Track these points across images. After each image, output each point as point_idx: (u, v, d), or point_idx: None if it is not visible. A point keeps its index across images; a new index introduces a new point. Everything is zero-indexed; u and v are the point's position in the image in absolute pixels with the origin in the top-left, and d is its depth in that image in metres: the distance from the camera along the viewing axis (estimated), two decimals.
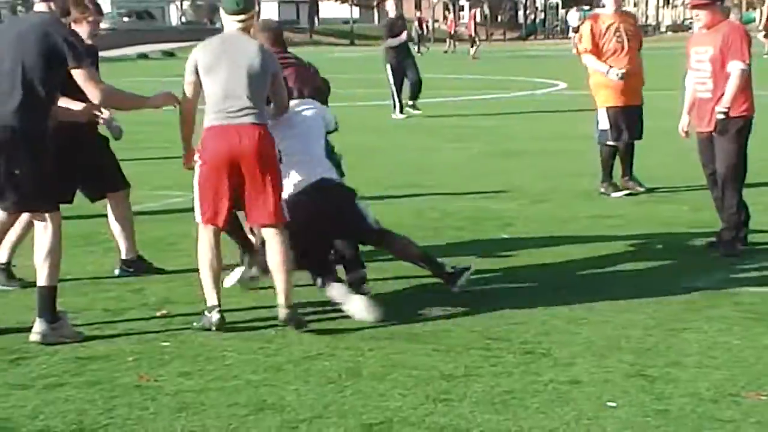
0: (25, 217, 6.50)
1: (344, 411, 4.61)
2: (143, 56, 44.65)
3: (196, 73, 5.86)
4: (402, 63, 18.28)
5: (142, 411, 4.61)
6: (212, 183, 5.79)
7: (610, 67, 10.11)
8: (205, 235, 5.88)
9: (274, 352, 5.44)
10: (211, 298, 5.81)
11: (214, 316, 5.75)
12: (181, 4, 73.15)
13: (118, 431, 4.40)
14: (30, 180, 5.58)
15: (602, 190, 10.25)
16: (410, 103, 18.36)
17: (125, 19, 66.37)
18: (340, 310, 6.08)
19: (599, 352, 5.39)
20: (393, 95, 18.50)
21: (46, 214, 5.68)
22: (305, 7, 79.92)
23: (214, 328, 5.74)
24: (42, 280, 5.65)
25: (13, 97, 5.54)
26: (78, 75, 5.64)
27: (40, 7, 5.74)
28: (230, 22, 5.97)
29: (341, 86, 27.95)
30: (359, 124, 17.79)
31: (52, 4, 5.74)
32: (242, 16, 5.93)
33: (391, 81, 18.42)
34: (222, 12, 6.04)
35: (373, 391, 4.85)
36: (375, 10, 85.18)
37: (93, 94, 5.71)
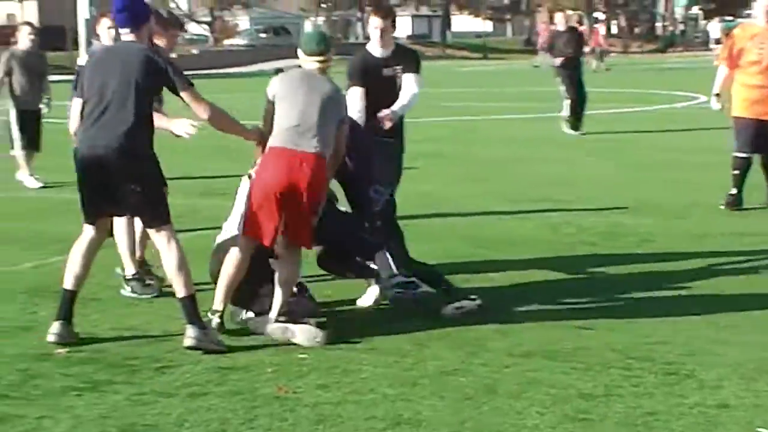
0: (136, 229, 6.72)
1: (481, 428, 4.58)
2: (279, 71, 45.55)
3: (274, 100, 6.14)
4: (569, 76, 17.42)
5: (282, 422, 4.67)
6: (263, 202, 5.95)
7: (717, 94, 10.16)
8: (242, 247, 6.03)
9: (409, 367, 5.45)
10: (218, 303, 6.02)
11: (215, 321, 5.96)
12: (316, 20, 74.27)
13: None
14: (144, 197, 5.76)
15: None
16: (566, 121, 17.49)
17: (262, 35, 67.77)
18: (475, 324, 6.08)
19: (748, 374, 5.21)
20: (565, 108, 17.71)
21: (164, 227, 5.83)
22: (438, 21, 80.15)
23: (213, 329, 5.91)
24: (180, 291, 5.79)
25: (123, 120, 5.73)
26: (186, 96, 5.86)
27: (128, 37, 5.98)
28: (309, 63, 6.29)
29: (473, 99, 28.05)
30: (493, 137, 17.75)
31: (142, 35, 5.99)
32: (321, 57, 6.24)
33: (564, 95, 17.63)
34: (300, 52, 6.32)
35: (510, 409, 4.81)
36: (508, 24, 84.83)
37: (202, 111, 5.89)
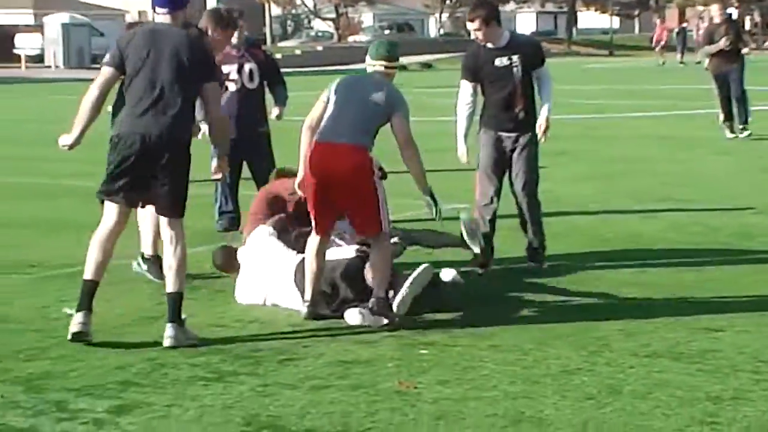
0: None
1: (604, 428, 4.51)
2: (402, 68, 45.73)
3: (328, 98, 6.35)
4: (725, 73, 15.84)
5: (403, 417, 4.69)
6: (308, 195, 6.31)
7: None
8: (312, 242, 6.32)
9: (531, 365, 5.40)
10: (306, 294, 6.30)
11: (304, 310, 6.25)
12: (440, 17, 74.21)
13: None
14: (178, 186, 5.82)
15: None
16: (739, 127, 15.97)
17: (386, 31, 68.07)
18: (599, 323, 6.00)
19: None
20: (719, 110, 16.18)
21: (178, 221, 5.87)
22: (563, 18, 79.18)
23: (303, 317, 6.23)
24: (171, 287, 5.80)
25: (172, 106, 5.77)
26: (211, 89, 5.93)
27: (164, 18, 6.00)
28: (374, 66, 6.48)
29: (598, 97, 27.59)
30: (618, 135, 17.45)
31: (177, 19, 6.01)
32: (386, 63, 6.46)
33: (716, 93, 16.09)
34: (368, 57, 6.45)
35: (634, 410, 4.73)
36: (636, 20, 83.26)
37: (215, 109, 6.00)
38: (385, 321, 6.08)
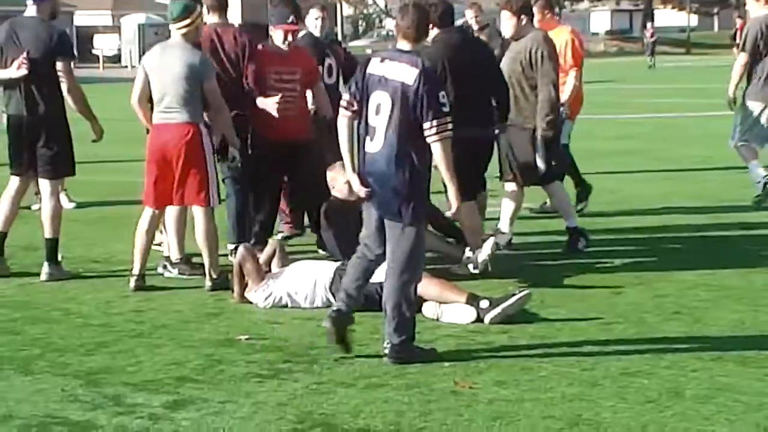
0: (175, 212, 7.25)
1: None
2: None
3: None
4: None
5: (457, 417, 4.63)
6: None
7: None
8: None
9: (590, 367, 5.30)
10: (135, 267, 6.98)
11: (132, 283, 6.94)
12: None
13: None
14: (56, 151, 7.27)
15: None
16: None
17: None
18: (662, 325, 5.87)
19: None
20: None
21: (57, 180, 7.46)
22: (639, 16, 78.20)
23: (130, 291, 6.90)
24: (50, 233, 7.15)
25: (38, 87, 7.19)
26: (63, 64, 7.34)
27: (31, 11, 7.28)
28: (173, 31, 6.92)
29: (673, 96, 27.21)
30: (691, 135, 17.16)
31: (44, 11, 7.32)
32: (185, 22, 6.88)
33: None
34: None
35: (696, 415, 4.61)
36: (715, 18, 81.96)
37: (70, 81, 7.29)
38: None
